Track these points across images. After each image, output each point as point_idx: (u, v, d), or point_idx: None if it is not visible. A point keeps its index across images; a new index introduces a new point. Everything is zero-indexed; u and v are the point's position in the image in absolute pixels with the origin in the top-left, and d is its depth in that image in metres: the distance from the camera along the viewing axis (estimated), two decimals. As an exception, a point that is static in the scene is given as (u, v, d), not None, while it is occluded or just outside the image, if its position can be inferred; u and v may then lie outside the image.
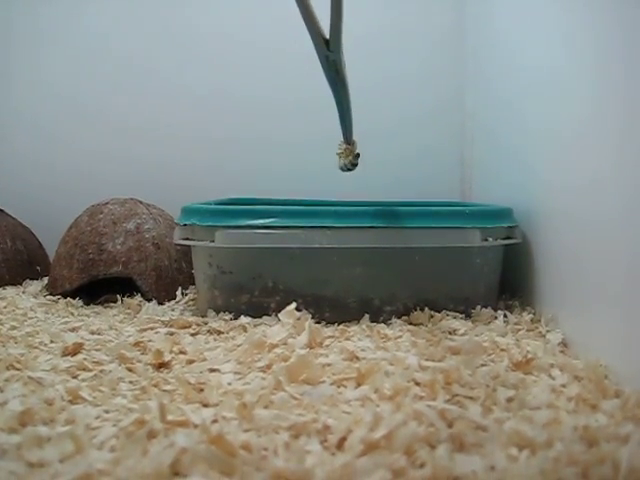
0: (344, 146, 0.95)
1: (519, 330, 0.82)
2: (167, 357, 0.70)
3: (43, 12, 1.37)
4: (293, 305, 0.81)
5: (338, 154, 0.96)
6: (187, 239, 0.91)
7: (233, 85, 1.37)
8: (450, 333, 0.82)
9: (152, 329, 0.84)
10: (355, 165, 0.95)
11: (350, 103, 0.86)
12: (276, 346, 0.72)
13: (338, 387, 0.61)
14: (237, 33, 1.36)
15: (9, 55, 1.37)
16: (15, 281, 1.14)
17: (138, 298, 1.02)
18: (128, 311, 0.97)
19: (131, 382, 0.63)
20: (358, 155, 0.94)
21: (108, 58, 1.37)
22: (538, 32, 0.91)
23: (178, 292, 1.04)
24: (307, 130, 1.34)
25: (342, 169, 0.98)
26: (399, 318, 0.89)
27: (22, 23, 1.37)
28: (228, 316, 0.88)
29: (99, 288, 1.05)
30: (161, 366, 0.68)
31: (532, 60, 0.93)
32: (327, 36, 0.73)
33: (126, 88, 1.37)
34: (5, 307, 0.95)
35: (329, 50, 0.74)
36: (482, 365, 0.67)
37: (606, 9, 0.68)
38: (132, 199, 1.13)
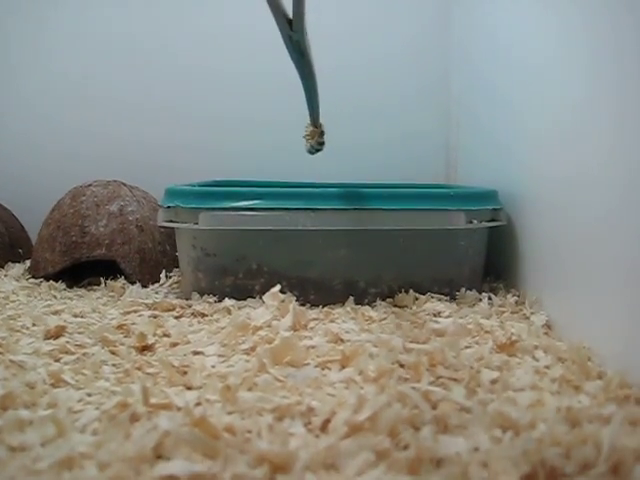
0: (310, 128, 0.94)
1: (503, 312, 0.82)
2: (151, 340, 0.70)
3: None
4: (277, 287, 0.81)
5: (305, 137, 0.96)
6: (171, 221, 0.90)
7: (216, 66, 1.35)
8: (434, 315, 0.82)
9: (135, 312, 0.84)
10: (322, 144, 0.95)
11: (316, 85, 0.85)
12: (260, 328, 0.72)
13: (322, 369, 0.61)
14: (219, 14, 1.34)
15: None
16: (-3, 264, 1.14)
17: (121, 281, 1.01)
18: (111, 294, 0.96)
19: (114, 365, 0.63)
20: (323, 133, 0.94)
21: (93, 38, 1.35)
22: (526, 16, 0.91)
23: (162, 275, 1.03)
24: (291, 112, 1.31)
25: (310, 152, 0.97)
26: (384, 300, 0.89)
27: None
28: (212, 299, 0.88)
29: (82, 271, 1.04)
30: (144, 349, 0.68)
31: (519, 45, 0.92)
32: (290, 16, 0.73)
33: (109, 70, 1.35)
34: (-13, 290, 0.94)
35: (292, 30, 0.73)
36: (466, 347, 0.67)
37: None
38: (115, 181, 1.12)
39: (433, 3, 1.37)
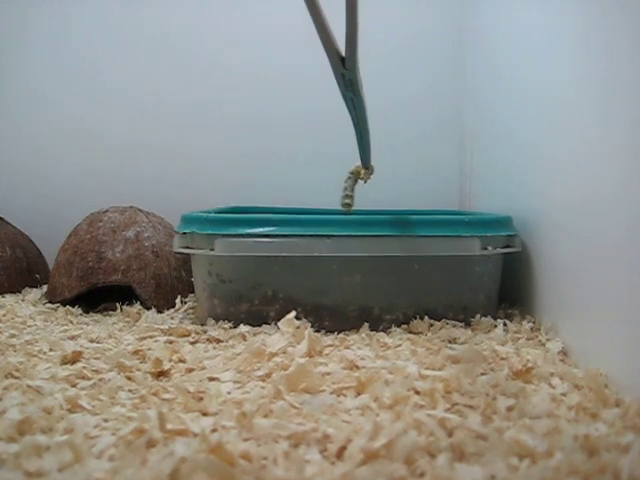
0: (362, 171, 0.95)
1: (519, 339, 0.82)
2: (166, 366, 0.70)
3: (35, 26, 1.38)
4: (293, 314, 0.81)
5: (351, 176, 0.97)
6: (187, 247, 0.91)
7: (231, 98, 1.38)
8: (450, 342, 0.82)
9: (151, 337, 0.84)
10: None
11: (367, 124, 0.84)
12: (275, 355, 0.72)
13: (338, 396, 0.60)
14: (238, 49, 1.37)
15: (7, 70, 1.38)
16: (14, 289, 1.14)
17: (137, 306, 1.02)
18: (127, 319, 0.97)
19: (130, 391, 0.63)
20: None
21: (107, 73, 1.38)
22: (536, 50, 0.91)
23: (177, 300, 1.04)
24: (308, 144, 1.36)
25: (345, 206, 0.97)
26: (399, 327, 0.88)
27: (14, 39, 1.37)
28: (227, 325, 0.88)
29: (98, 296, 1.04)
30: (160, 375, 0.68)
31: (532, 75, 0.93)
32: (343, 54, 0.72)
33: (126, 102, 1.38)
34: (4, 315, 0.94)
35: (345, 68, 0.73)
36: (482, 374, 0.67)
37: (613, 24, 0.68)
38: (132, 207, 1.13)
39: (446, 40, 1.40)
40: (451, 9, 1.39)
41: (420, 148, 1.39)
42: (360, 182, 0.98)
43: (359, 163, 0.95)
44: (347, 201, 0.96)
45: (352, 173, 0.97)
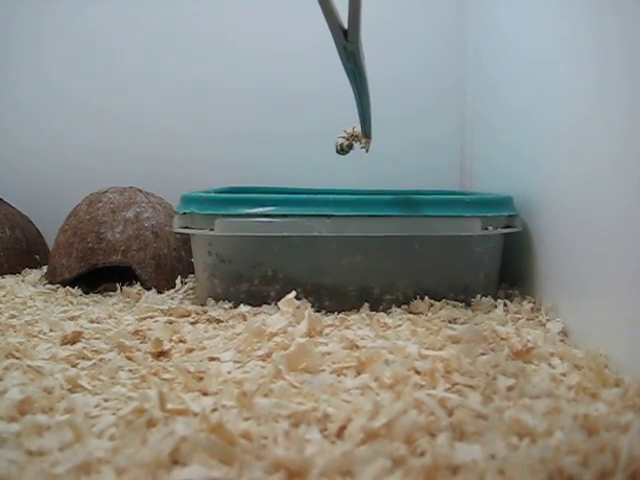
0: (364, 140, 0.94)
1: (519, 319, 0.82)
2: (166, 346, 0.70)
3: (44, 10, 1.36)
4: (293, 294, 0.81)
5: (348, 136, 0.95)
6: (186, 227, 0.91)
7: (231, 78, 1.36)
8: (450, 322, 0.82)
9: (151, 318, 0.84)
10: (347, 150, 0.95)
11: (369, 96, 0.84)
12: (276, 335, 0.72)
13: (338, 376, 0.61)
14: (236, 28, 1.35)
15: (9, 50, 1.36)
16: (14, 270, 1.14)
17: (137, 287, 1.02)
18: (127, 300, 0.97)
19: (130, 371, 0.63)
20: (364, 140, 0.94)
21: (107, 52, 1.36)
22: (538, 25, 0.91)
23: (177, 281, 1.04)
24: (307, 122, 1.34)
25: (340, 151, 0.96)
26: (399, 307, 0.88)
27: (22, 20, 1.36)
28: (228, 305, 0.88)
29: (98, 277, 1.04)
30: (160, 355, 0.68)
31: (532, 52, 0.92)
32: (345, 26, 0.72)
33: (126, 81, 1.36)
34: (4, 296, 0.94)
35: (347, 40, 0.73)
36: (482, 354, 0.67)
37: (607, 3, 0.68)
38: (131, 188, 1.13)
39: (447, 14, 1.37)
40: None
41: (420, 126, 1.38)
42: (363, 152, 0.96)
43: (357, 127, 0.94)
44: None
45: (350, 135, 0.95)
